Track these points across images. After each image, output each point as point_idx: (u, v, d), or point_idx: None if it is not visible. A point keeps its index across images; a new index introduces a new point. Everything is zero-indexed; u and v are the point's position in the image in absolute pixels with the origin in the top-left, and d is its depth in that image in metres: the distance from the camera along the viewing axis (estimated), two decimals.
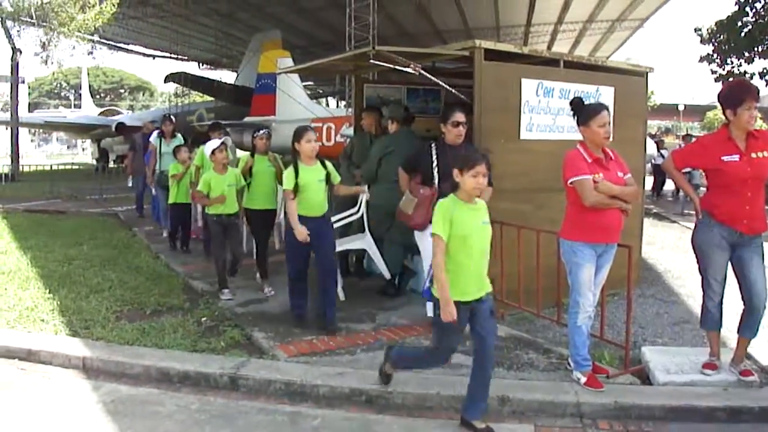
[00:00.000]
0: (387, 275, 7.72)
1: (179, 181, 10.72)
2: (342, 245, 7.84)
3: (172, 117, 13.29)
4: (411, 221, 6.56)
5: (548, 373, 5.67)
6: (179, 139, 12.54)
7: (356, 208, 7.99)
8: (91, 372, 5.81)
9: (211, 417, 4.97)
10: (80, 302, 7.53)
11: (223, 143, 8.14)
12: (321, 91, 43.30)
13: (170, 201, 10.89)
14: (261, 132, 8.24)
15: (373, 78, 10.18)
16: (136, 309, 7.46)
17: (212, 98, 33.13)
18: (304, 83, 28.97)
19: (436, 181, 6.44)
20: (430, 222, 6.17)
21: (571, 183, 5.26)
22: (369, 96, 9.75)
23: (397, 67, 7.31)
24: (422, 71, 7.17)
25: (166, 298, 7.84)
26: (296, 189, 6.60)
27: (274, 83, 24.23)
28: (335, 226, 7.63)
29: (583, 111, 5.39)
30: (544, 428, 4.90)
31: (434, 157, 6.48)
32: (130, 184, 15.85)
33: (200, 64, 42.02)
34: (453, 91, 7.53)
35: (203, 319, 7.09)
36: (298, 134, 6.76)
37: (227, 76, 41.83)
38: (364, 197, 7.74)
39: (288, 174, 6.65)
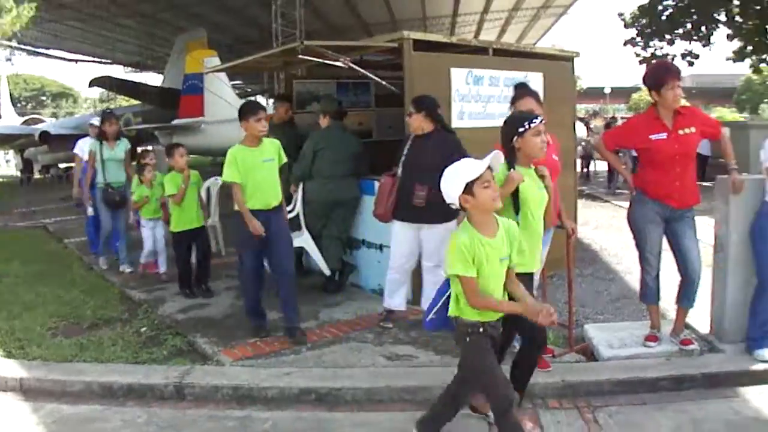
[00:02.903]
0: (327, 271, 7.68)
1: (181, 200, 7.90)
2: None
3: (115, 114, 10.41)
4: (374, 212, 6.55)
5: None
6: (125, 143, 9.71)
7: (291, 206, 7.91)
8: (30, 393, 5.57)
9: (159, 429, 4.86)
10: (12, 321, 7.24)
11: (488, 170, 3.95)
12: (249, 90, 42.88)
13: (174, 228, 8.01)
14: (538, 119, 4.53)
15: (302, 74, 10.12)
16: (72, 324, 7.22)
17: (139, 102, 32.60)
18: (232, 82, 28.65)
19: (399, 170, 6.38)
20: (392, 214, 6.22)
21: None
22: (299, 91, 9.67)
23: (326, 62, 7.27)
24: (352, 64, 7.16)
25: (103, 310, 7.59)
26: None
27: (201, 83, 23.88)
28: None
29: (513, 97, 5.46)
30: None
31: (406, 146, 6.40)
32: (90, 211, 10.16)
33: (125, 68, 41.23)
34: (383, 83, 7.54)
35: (143, 329, 6.92)
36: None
37: (154, 79, 41.15)
38: (299, 195, 7.70)
39: None
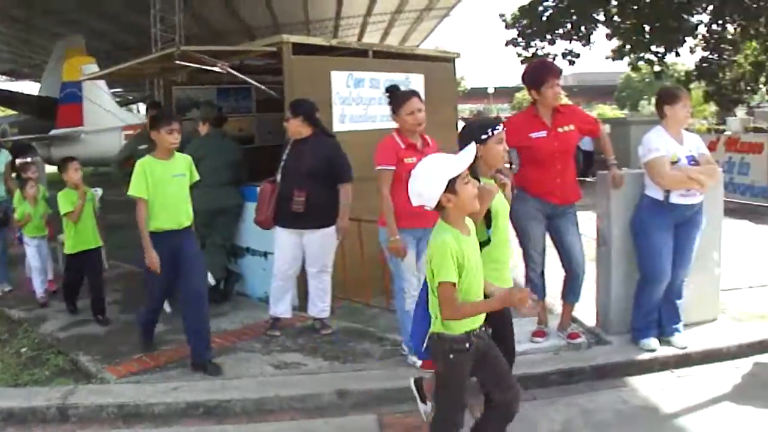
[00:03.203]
0: (212, 281, 7.51)
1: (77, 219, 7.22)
2: None
3: None
4: (255, 219, 6.52)
5: (384, 361, 5.74)
6: (5, 155, 8.96)
7: None
8: None
9: None
10: None
11: None
12: (131, 98, 41.93)
13: (69, 250, 7.32)
14: (500, 126, 4.28)
15: (182, 80, 9.93)
16: None
17: (15, 112, 31.45)
18: (112, 90, 27.99)
19: (279, 176, 6.33)
20: (273, 220, 6.18)
21: (376, 170, 5.35)
22: (178, 98, 9.47)
23: (205, 67, 7.15)
24: (230, 70, 7.07)
25: None
26: None
27: (80, 92, 23.23)
28: None
29: (394, 99, 5.45)
30: (387, 416, 4.96)
31: (285, 151, 6.36)
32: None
33: None
34: (263, 88, 7.48)
35: (23, 349, 6.58)
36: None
37: (31, 87, 39.72)
38: None
39: None
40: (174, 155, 5.84)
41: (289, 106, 6.31)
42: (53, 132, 23.85)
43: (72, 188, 7.25)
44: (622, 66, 27.82)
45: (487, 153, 4.12)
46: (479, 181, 3.95)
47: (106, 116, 20.71)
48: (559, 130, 5.63)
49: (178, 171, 5.82)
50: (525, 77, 5.83)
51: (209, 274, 7.43)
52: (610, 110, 61.43)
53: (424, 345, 3.83)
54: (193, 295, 5.80)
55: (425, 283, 3.83)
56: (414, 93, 5.53)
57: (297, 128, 6.19)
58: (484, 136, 4.13)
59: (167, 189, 5.70)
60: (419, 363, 5.38)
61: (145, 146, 8.19)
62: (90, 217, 7.37)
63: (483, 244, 3.97)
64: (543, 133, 5.61)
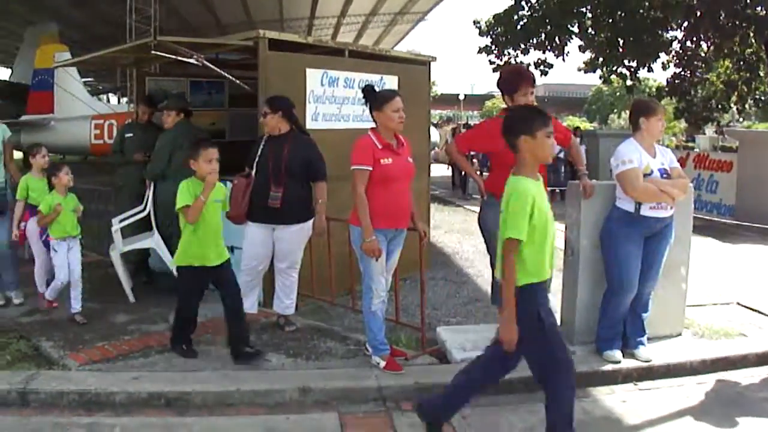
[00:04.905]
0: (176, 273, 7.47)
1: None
2: (129, 245, 7.52)
3: None
4: (227, 213, 6.39)
5: (347, 360, 5.74)
6: (3, 128, 7.71)
7: (143, 206, 7.69)
8: None
9: None
10: None
11: None
12: (101, 87, 41.52)
13: (180, 262, 5.98)
14: None
15: (155, 71, 9.87)
16: None
17: None
18: (84, 79, 27.73)
19: (254, 171, 6.26)
20: (246, 215, 6.13)
21: (352, 170, 5.33)
22: (151, 89, 9.41)
23: (179, 59, 7.11)
24: (206, 62, 7.03)
25: None
26: None
27: (52, 79, 23.03)
28: (122, 225, 7.36)
29: (377, 97, 5.45)
30: (348, 415, 4.93)
31: (260, 147, 6.30)
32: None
33: None
34: (237, 82, 7.45)
35: None
36: None
37: (1, 73, 39.29)
38: (150, 193, 7.49)
39: None
40: None
41: (266, 101, 6.28)
42: (23, 118, 23.65)
43: (198, 179, 5.72)
44: (594, 79, 27.94)
45: None
46: None
47: (77, 104, 20.52)
48: None
49: None
50: (500, 82, 5.85)
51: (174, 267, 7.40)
52: (579, 122, 61.78)
53: None
54: None
55: None
56: (397, 93, 5.59)
57: (276, 124, 6.17)
58: None
59: None
60: (382, 364, 5.43)
61: (131, 134, 8.16)
62: (217, 219, 5.84)
63: None
64: None
